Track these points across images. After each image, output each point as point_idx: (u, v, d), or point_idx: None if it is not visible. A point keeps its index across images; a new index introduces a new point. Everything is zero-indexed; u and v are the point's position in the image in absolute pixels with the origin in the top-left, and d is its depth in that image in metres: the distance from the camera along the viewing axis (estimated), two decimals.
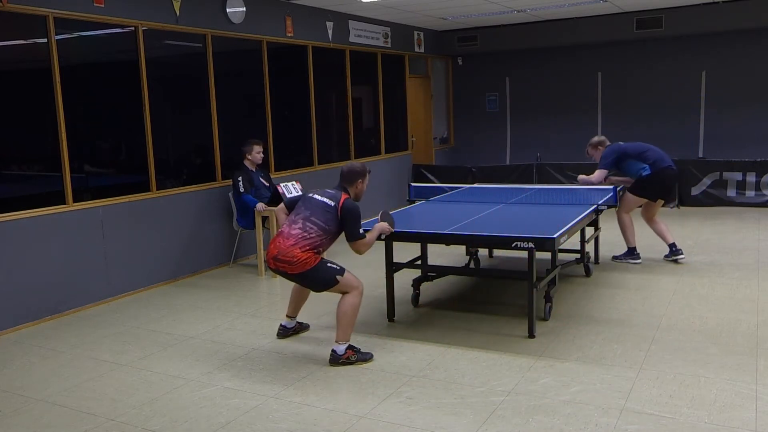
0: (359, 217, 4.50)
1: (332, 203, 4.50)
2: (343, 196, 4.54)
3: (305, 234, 4.43)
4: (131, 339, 5.14)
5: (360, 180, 4.69)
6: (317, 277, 4.47)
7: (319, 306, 5.74)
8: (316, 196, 4.60)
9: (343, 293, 4.53)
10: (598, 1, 9.53)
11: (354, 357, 4.45)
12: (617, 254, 6.99)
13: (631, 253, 6.86)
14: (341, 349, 4.44)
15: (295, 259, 4.36)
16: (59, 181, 5.86)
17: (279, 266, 4.43)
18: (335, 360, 4.43)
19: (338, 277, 4.47)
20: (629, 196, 6.85)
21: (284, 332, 5.03)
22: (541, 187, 7.66)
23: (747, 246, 7.27)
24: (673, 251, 6.82)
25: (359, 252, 4.56)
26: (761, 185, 9.54)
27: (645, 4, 10.07)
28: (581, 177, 6.99)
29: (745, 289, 5.72)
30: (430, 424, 3.54)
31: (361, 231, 4.49)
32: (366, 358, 4.49)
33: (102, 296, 6.17)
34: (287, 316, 5.06)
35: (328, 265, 4.51)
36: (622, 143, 6.93)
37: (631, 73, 11.55)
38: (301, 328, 5.13)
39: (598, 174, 6.74)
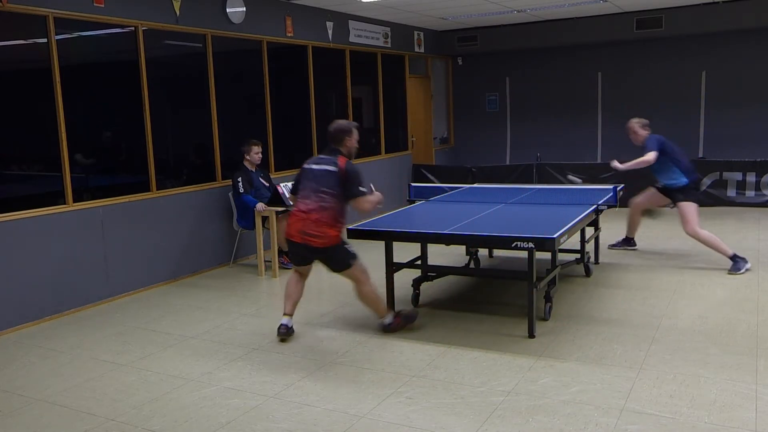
0: (360, 176, 4.72)
1: (334, 168, 4.68)
2: (341, 159, 4.72)
3: (323, 205, 4.62)
4: (131, 339, 5.14)
5: (347, 137, 4.82)
6: (336, 257, 4.72)
7: (321, 306, 5.75)
8: (314, 167, 4.77)
9: (354, 280, 4.77)
10: (598, 1, 9.53)
11: (401, 323, 4.94)
12: (730, 268, 6.32)
13: (738, 258, 6.32)
14: (387, 319, 4.88)
15: (325, 235, 4.61)
16: (59, 181, 5.86)
17: (307, 240, 4.62)
18: (386, 330, 4.91)
19: (352, 261, 4.72)
20: (690, 206, 6.49)
21: (287, 331, 4.90)
22: (541, 187, 7.66)
23: (747, 246, 7.27)
24: (629, 243, 7.36)
25: (364, 210, 4.74)
26: (761, 185, 9.54)
27: (645, 4, 10.07)
28: (616, 164, 6.73)
29: (745, 289, 5.72)
30: (430, 424, 3.54)
31: (362, 189, 4.67)
32: (411, 319, 5.02)
33: (102, 296, 6.17)
34: (286, 314, 4.95)
35: (345, 246, 4.74)
36: (663, 138, 6.81)
37: (631, 73, 11.55)
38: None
39: (653, 155, 6.47)
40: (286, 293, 4.98)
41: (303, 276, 5.00)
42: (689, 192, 6.64)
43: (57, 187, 5.85)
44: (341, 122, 4.93)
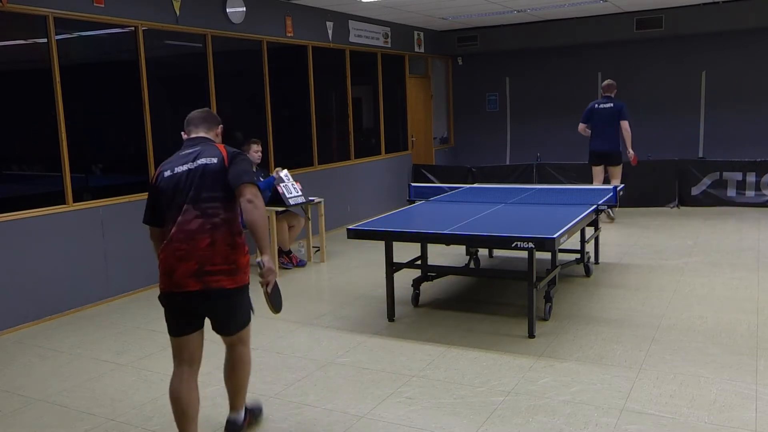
0: (248, 161, 3.28)
1: (215, 159, 3.14)
2: (220, 146, 3.24)
3: (214, 220, 3.10)
4: (131, 339, 5.14)
5: (220, 125, 3.42)
6: (243, 304, 3.25)
7: (321, 306, 5.75)
8: (181, 169, 3.16)
9: (242, 342, 3.35)
10: (598, 1, 9.53)
11: (250, 420, 3.54)
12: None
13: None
14: (240, 416, 3.45)
15: (237, 265, 3.14)
16: (59, 181, 5.86)
17: (208, 281, 3.06)
18: (237, 429, 3.43)
19: (252, 315, 3.31)
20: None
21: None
22: (541, 187, 7.66)
23: (747, 246, 7.27)
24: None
25: (253, 206, 3.06)
26: (761, 185, 9.54)
27: (645, 4, 10.07)
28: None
29: (745, 289, 5.72)
30: (430, 424, 3.54)
31: (254, 177, 3.18)
32: (258, 412, 3.61)
33: (102, 296, 6.17)
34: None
35: (248, 293, 3.26)
36: (596, 104, 9.03)
37: (631, 73, 11.55)
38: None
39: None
40: (178, 410, 3.19)
41: (194, 368, 3.28)
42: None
43: (57, 187, 5.85)
44: (205, 109, 3.47)
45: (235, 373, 3.38)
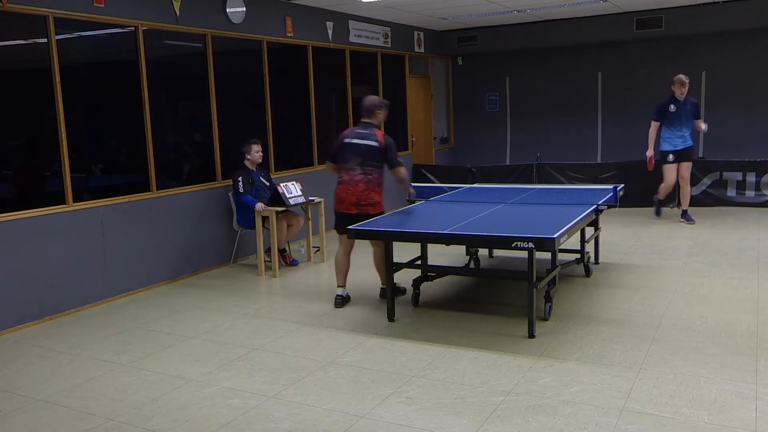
0: (395, 148, 5.59)
1: (375, 144, 5.45)
2: (378, 133, 5.49)
3: (369, 177, 5.45)
4: (131, 339, 5.14)
5: (379, 110, 5.58)
6: None
7: (321, 306, 5.75)
8: (356, 141, 5.50)
9: (378, 246, 5.52)
10: (598, 1, 9.53)
11: (398, 293, 5.71)
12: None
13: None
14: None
15: (375, 201, 5.45)
16: (59, 181, 5.86)
17: (362, 210, 5.41)
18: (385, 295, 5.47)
19: None
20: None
21: (342, 301, 5.67)
22: (541, 187, 7.66)
23: (747, 246, 7.27)
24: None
25: (401, 176, 5.62)
26: (761, 185, 9.53)
27: (645, 4, 10.07)
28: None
29: (745, 289, 5.72)
30: (430, 424, 3.54)
31: (399, 159, 5.62)
32: (402, 291, 5.83)
33: (102, 296, 6.17)
34: (339, 286, 5.72)
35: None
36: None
37: (631, 73, 11.55)
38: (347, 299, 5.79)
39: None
40: (337, 268, 5.71)
41: (350, 249, 5.68)
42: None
43: (57, 187, 5.85)
44: (373, 97, 5.68)
45: (376, 263, 5.66)
